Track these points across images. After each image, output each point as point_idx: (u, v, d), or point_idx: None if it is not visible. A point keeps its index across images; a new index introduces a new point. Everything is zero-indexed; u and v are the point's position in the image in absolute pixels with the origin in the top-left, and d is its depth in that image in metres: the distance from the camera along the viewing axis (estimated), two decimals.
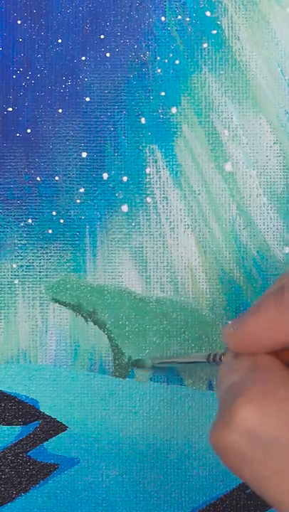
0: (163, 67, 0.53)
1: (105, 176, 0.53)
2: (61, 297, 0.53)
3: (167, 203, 0.53)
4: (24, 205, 0.53)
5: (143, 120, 0.53)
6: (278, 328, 0.35)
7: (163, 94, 0.53)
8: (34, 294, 0.53)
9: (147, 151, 0.53)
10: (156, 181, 0.53)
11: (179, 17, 0.53)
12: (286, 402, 0.33)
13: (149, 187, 0.53)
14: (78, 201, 0.53)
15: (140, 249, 0.53)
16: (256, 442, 0.33)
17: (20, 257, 0.53)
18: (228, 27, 0.53)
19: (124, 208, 0.53)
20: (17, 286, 0.53)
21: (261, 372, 0.35)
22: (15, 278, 0.53)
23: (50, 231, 0.53)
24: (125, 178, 0.53)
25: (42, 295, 0.53)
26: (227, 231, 0.53)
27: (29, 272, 0.53)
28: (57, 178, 0.53)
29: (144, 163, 0.53)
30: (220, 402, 0.36)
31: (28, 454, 0.51)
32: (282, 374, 0.35)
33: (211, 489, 0.51)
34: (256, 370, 0.35)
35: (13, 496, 0.51)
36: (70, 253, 0.53)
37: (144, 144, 0.53)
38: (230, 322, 0.38)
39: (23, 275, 0.53)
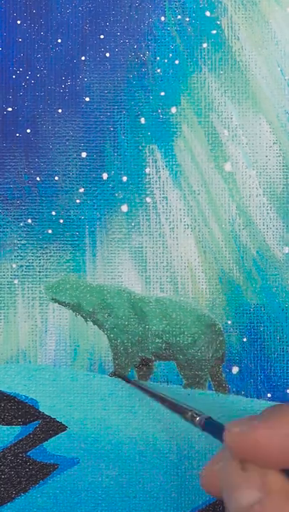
0: (163, 67, 0.53)
1: (105, 175, 0.53)
2: (61, 297, 0.53)
3: (167, 203, 0.53)
4: (24, 205, 0.53)
5: (143, 120, 0.53)
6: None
7: (163, 94, 0.53)
8: (34, 294, 0.53)
9: (147, 151, 0.53)
10: (156, 181, 0.53)
11: (179, 17, 0.53)
12: None
13: (149, 187, 0.53)
14: (78, 201, 0.53)
15: (140, 249, 0.53)
16: None
17: (20, 257, 0.53)
18: (228, 27, 0.53)
19: (124, 207, 0.53)
20: (17, 286, 0.53)
21: (281, 501, 0.34)
22: (15, 278, 0.53)
23: (49, 231, 0.53)
24: (125, 178, 0.53)
25: (41, 295, 0.53)
26: (227, 231, 0.53)
27: (29, 272, 0.53)
28: (56, 178, 0.53)
29: (143, 163, 0.53)
30: None
31: (28, 454, 0.51)
32: None
33: None
34: (274, 497, 0.34)
35: (13, 495, 0.51)
36: (70, 253, 0.53)
37: (143, 144, 0.53)
38: (235, 422, 0.36)
39: (22, 275, 0.53)
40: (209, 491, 0.40)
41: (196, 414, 0.42)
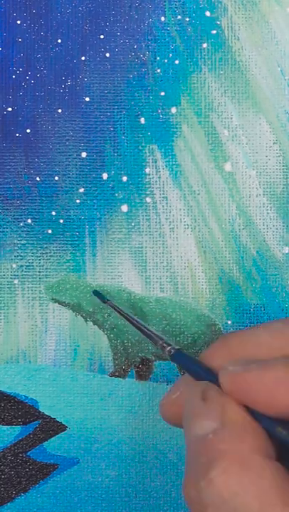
0: (162, 67, 0.53)
1: (105, 176, 0.53)
2: (61, 297, 0.53)
3: (167, 203, 0.53)
4: (24, 205, 0.53)
5: (143, 120, 0.53)
6: (277, 396, 0.34)
7: (162, 94, 0.53)
8: (34, 294, 0.53)
9: (147, 151, 0.53)
10: (156, 181, 0.53)
11: (179, 17, 0.53)
12: (262, 477, 0.32)
13: (149, 187, 0.53)
14: (78, 201, 0.53)
15: (140, 249, 0.53)
16: (229, 508, 0.32)
17: (20, 257, 0.53)
18: (228, 27, 0.53)
19: (124, 207, 0.53)
20: (17, 286, 0.53)
21: (235, 433, 0.34)
22: (15, 278, 0.53)
23: (49, 231, 0.53)
24: (125, 178, 0.53)
25: (41, 295, 0.53)
26: (227, 231, 0.53)
27: (29, 272, 0.53)
28: (56, 178, 0.53)
29: (143, 163, 0.53)
30: (190, 453, 0.35)
31: (28, 453, 0.51)
32: (261, 438, 0.34)
33: None
34: (230, 428, 0.34)
35: (13, 496, 0.51)
36: (70, 253, 0.53)
37: (143, 144, 0.53)
38: (231, 361, 0.36)
39: (22, 275, 0.53)
40: (169, 421, 0.40)
41: (167, 343, 0.42)
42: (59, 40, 0.53)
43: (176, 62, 0.53)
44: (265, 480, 0.32)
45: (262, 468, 0.32)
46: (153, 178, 0.53)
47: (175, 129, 0.53)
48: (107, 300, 0.49)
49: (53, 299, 0.53)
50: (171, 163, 0.53)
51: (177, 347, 0.41)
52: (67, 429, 0.52)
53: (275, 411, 0.34)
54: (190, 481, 0.34)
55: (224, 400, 0.35)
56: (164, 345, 0.42)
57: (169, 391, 0.39)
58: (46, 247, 0.53)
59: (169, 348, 0.41)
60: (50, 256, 0.53)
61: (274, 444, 0.35)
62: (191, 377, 0.39)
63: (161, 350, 0.42)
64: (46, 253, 0.53)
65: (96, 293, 0.51)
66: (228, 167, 0.53)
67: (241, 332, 0.38)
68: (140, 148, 0.53)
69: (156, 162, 0.53)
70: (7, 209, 0.53)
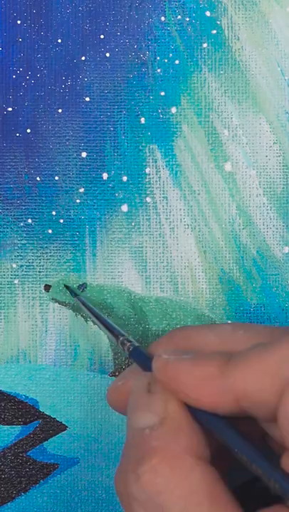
0: (163, 67, 0.53)
1: (105, 175, 0.53)
2: (61, 297, 0.53)
3: (167, 203, 0.53)
4: (24, 205, 0.53)
5: (143, 120, 0.53)
6: (205, 390, 0.34)
7: (163, 94, 0.53)
8: (34, 293, 0.53)
9: (147, 151, 0.53)
10: (156, 181, 0.53)
11: (179, 17, 0.53)
12: (190, 478, 0.32)
13: (149, 187, 0.53)
14: (78, 201, 0.53)
15: (140, 249, 0.53)
16: (153, 508, 0.32)
17: (20, 257, 0.53)
18: (228, 27, 0.53)
19: (124, 207, 0.53)
20: (17, 286, 0.53)
21: (171, 431, 0.34)
22: (15, 278, 0.53)
23: (50, 231, 0.53)
24: (125, 178, 0.53)
25: (42, 295, 0.53)
26: (227, 231, 0.53)
27: (29, 271, 0.53)
28: (57, 178, 0.53)
29: (143, 163, 0.53)
30: (126, 444, 0.35)
31: (28, 453, 0.51)
32: (194, 438, 0.34)
33: None
34: (167, 425, 0.34)
35: (13, 495, 0.51)
36: (70, 253, 0.53)
37: (143, 144, 0.53)
38: (167, 351, 0.36)
39: (23, 275, 0.53)
40: (114, 408, 0.40)
41: (128, 340, 0.42)
42: (59, 40, 0.53)
43: (176, 62, 0.53)
44: (192, 480, 0.32)
45: (191, 468, 0.32)
46: (153, 178, 0.53)
47: (175, 129, 0.53)
48: (76, 295, 0.50)
49: (53, 299, 0.53)
50: (171, 163, 0.53)
51: (137, 344, 0.42)
52: (67, 429, 0.52)
53: (201, 406, 0.34)
54: (120, 473, 0.34)
55: (168, 394, 0.35)
56: (125, 341, 0.42)
57: (116, 378, 0.40)
58: (46, 247, 0.53)
59: (128, 344, 0.42)
60: (50, 256, 0.53)
61: (211, 444, 0.35)
62: (140, 368, 0.39)
63: (121, 347, 0.42)
64: (46, 253, 0.53)
65: (67, 287, 0.51)
66: (228, 167, 0.53)
67: (189, 328, 0.38)
68: (140, 148, 0.53)
69: (156, 162, 0.53)
70: (7, 209, 0.53)
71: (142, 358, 0.40)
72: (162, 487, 0.32)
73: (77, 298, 0.50)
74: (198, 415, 0.35)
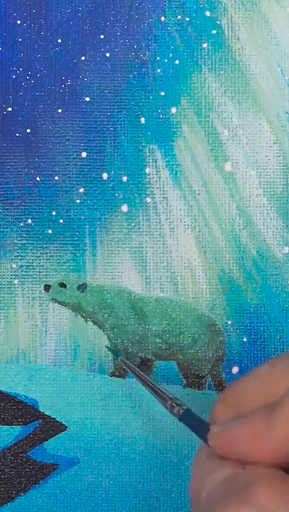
0: (163, 67, 0.53)
1: (105, 175, 0.53)
2: (61, 297, 0.53)
3: (167, 203, 0.53)
4: (24, 205, 0.53)
5: (143, 120, 0.53)
6: (260, 448, 0.34)
7: (163, 94, 0.53)
8: (34, 294, 0.53)
9: (147, 151, 0.53)
10: (156, 181, 0.53)
11: (179, 17, 0.53)
12: None
13: (149, 187, 0.53)
14: (78, 201, 0.53)
15: (140, 249, 0.53)
16: None
17: (20, 257, 0.53)
18: (228, 27, 0.53)
19: (124, 207, 0.53)
20: (17, 286, 0.53)
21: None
22: (15, 278, 0.53)
23: (50, 231, 0.53)
24: (125, 178, 0.53)
25: (42, 295, 0.53)
26: (227, 231, 0.53)
27: (29, 272, 0.53)
28: (57, 178, 0.53)
29: (143, 163, 0.53)
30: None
31: (28, 454, 0.51)
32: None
33: None
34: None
35: (13, 495, 0.51)
36: (70, 253, 0.53)
37: (143, 144, 0.53)
38: (218, 422, 0.37)
39: (22, 275, 0.53)
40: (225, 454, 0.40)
41: (176, 404, 0.42)
42: (59, 40, 0.53)
43: (176, 62, 0.53)
44: None
45: None
46: (153, 178, 0.53)
47: (175, 129, 0.53)
48: (119, 357, 0.50)
49: (52, 299, 0.53)
50: (171, 163, 0.53)
51: (185, 407, 0.41)
52: (68, 429, 0.52)
53: (263, 461, 0.34)
54: None
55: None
56: (173, 405, 0.42)
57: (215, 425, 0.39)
58: (46, 247, 0.53)
59: (177, 408, 0.41)
60: (50, 256, 0.53)
61: None
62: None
63: (170, 411, 0.42)
64: (46, 253, 0.53)
65: (109, 349, 0.52)
66: (228, 167, 0.53)
67: (234, 384, 0.38)
68: (140, 148, 0.53)
69: (156, 162, 0.53)
70: (7, 209, 0.53)
71: (193, 422, 0.40)
72: None
73: (122, 360, 0.50)
74: None
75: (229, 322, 0.52)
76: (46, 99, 0.53)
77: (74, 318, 0.53)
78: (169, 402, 0.42)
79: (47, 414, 0.52)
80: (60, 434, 0.52)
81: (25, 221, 0.53)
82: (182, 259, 0.53)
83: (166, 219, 0.53)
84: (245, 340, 0.52)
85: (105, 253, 0.53)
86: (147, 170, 0.53)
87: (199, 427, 0.38)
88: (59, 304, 0.53)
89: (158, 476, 0.51)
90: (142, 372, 0.48)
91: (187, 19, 0.53)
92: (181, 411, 0.41)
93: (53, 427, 0.52)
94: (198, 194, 0.53)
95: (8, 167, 0.53)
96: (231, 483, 0.34)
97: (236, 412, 0.36)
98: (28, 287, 0.53)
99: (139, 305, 0.53)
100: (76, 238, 0.53)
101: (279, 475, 0.34)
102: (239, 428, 0.35)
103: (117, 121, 0.53)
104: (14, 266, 0.53)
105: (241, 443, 0.35)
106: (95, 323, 0.53)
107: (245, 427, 0.35)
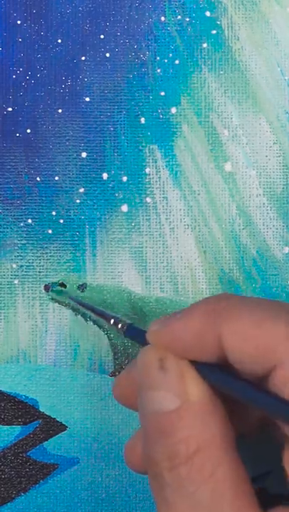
0: (163, 67, 0.53)
1: (105, 175, 0.53)
2: (61, 297, 0.53)
3: (167, 203, 0.53)
4: (24, 205, 0.53)
5: (143, 120, 0.53)
6: (203, 339, 0.34)
7: (163, 94, 0.53)
8: (34, 294, 0.53)
9: (147, 151, 0.53)
10: (156, 181, 0.53)
11: (179, 17, 0.53)
12: (221, 465, 0.32)
13: (149, 187, 0.53)
14: (78, 201, 0.53)
15: (140, 249, 0.53)
16: (185, 492, 0.33)
17: (20, 257, 0.53)
18: (228, 27, 0.53)
19: (124, 207, 0.53)
20: (17, 286, 0.53)
21: (198, 417, 0.33)
22: (15, 278, 0.53)
23: (50, 231, 0.53)
24: (125, 178, 0.53)
25: (42, 295, 0.53)
26: (227, 231, 0.53)
27: (29, 272, 0.53)
28: (57, 178, 0.53)
29: (143, 163, 0.53)
30: (150, 428, 0.34)
31: (28, 453, 0.51)
32: (219, 419, 0.33)
33: None
34: (192, 409, 0.33)
35: (13, 496, 0.51)
36: (70, 253, 0.53)
37: (143, 144, 0.53)
38: (156, 320, 0.36)
39: (22, 275, 0.53)
40: (123, 403, 0.39)
41: (119, 319, 0.42)
42: (59, 40, 0.53)
43: (176, 62, 0.53)
44: (220, 473, 0.32)
45: (222, 458, 0.33)
46: (153, 178, 0.53)
47: (175, 129, 0.53)
48: (61, 292, 0.50)
49: (52, 299, 0.53)
50: (171, 163, 0.53)
51: (128, 321, 0.41)
52: (67, 429, 0.52)
53: (207, 356, 0.34)
54: (152, 454, 0.34)
55: (183, 369, 0.34)
56: (117, 321, 0.42)
57: (122, 372, 0.39)
58: (46, 247, 0.53)
59: (121, 324, 0.41)
60: (50, 256, 0.53)
61: (235, 418, 0.35)
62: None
63: (115, 329, 0.41)
64: (46, 253, 0.53)
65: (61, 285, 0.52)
66: (228, 167, 0.53)
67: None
68: (140, 148, 0.53)
69: (156, 162, 0.53)
70: (7, 209, 0.53)
71: (138, 335, 0.40)
72: (197, 479, 0.32)
73: (69, 298, 0.50)
74: (206, 372, 0.34)
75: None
76: (46, 99, 0.53)
77: (74, 318, 0.53)
78: (112, 320, 0.42)
79: (47, 414, 0.52)
80: (60, 434, 0.52)
81: (25, 221, 0.53)
82: (182, 259, 0.53)
83: (166, 219, 0.53)
84: None
85: (105, 253, 0.53)
86: (147, 170, 0.53)
87: (144, 339, 0.38)
88: (59, 304, 0.53)
89: None
90: (82, 301, 0.48)
91: (187, 19, 0.53)
92: (125, 326, 0.41)
93: (53, 427, 0.52)
94: (198, 194, 0.53)
95: (8, 167, 0.53)
96: (164, 428, 0.34)
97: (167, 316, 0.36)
98: (28, 287, 0.53)
99: (139, 305, 0.53)
100: (76, 238, 0.53)
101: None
102: (182, 321, 0.35)
103: (117, 121, 0.53)
104: (14, 266, 0.53)
105: (185, 337, 0.34)
106: (95, 323, 0.53)
107: (189, 319, 0.34)
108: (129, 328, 0.41)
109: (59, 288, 0.53)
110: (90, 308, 0.46)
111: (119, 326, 0.41)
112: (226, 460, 0.33)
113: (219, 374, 0.34)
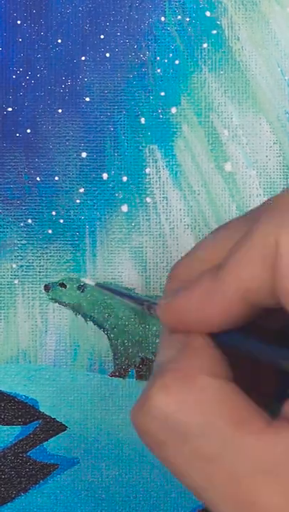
0: (163, 67, 0.53)
1: (105, 176, 0.53)
2: (61, 297, 0.53)
3: (167, 203, 0.53)
4: (24, 205, 0.53)
5: (143, 120, 0.53)
6: (209, 309, 0.32)
7: (163, 94, 0.53)
8: (34, 294, 0.53)
9: (147, 151, 0.53)
10: (156, 181, 0.53)
11: (179, 17, 0.53)
12: (205, 392, 0.30)
13: (149, 187, 0.53)
14: (78, 201, 0.53)
15: (140, 249, 0.53)
16: (172, 429, 0.31)
17: (20, 257, 0.53)
18: (228, 27, 0.53)
19: (124, 207, 0.53)
20: (17, 286, 0.53)
21: (186, 356, 0.32)
22: (15, 278, 0.53)
23: (50, 231, 0.53)
24: (125, 178, 0.53)
25: (42, 295, 0.53)
26: None
27: (29, 272, 0.53)
28: (57, 178, 0.53)
29: (143, 163, 0.53)
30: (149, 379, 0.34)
31: (28, 454, 0.51)
32: (210, 359, 0.32)
33: None
34: (182, 352, 0.32)
35: (13, 495, 0.51)
36: (70, 253, 0.53)
37: (143, 144, 0.53)
38: (164, 295, 0.35)
39: (22, 275, 0.53)
40: (175, 327, 0.38)
41: (153, 303, 0.41)
42: (59, 40, 0.53)
43: (176, 62, 0.53)
44: (209, 396, 0.31)
45: (207, 385, 0.31)
46: (153, 178, 0.53)
47: (175, 129, 0.53)
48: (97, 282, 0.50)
49: (52, 299, 0.53)
50: (171, 163, 0.53)
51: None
52: (67, 429, 0.52)
53: (211, 328, 0.33)
54: (135, 404, 0.33)
55: (190, 332, 0.34)
56: (151, 305, 0.41)
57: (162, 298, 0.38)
58: (46, 247, 0.53)
59: (154, 307, 0.41)
60: (50, 256, 0.53)
61: (239, 371, 0.33)
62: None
63: (148, 312, 0.41)
64: (46, 253, 0.53)
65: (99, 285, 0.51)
66: (228, 167, 0.53)
67: (179, 260, 0.37)
68: (140, 148, 0.53)
69: (156, 162, 0.53)
70: (7, 209, 0.53)
71: None
72: (176, 405, 0.31)
73: (97, 284, 0.50)
74: (221, 340, 0.34)
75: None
76: (46, 99, 0.53)
77: (74, 318, 0.53)
78: (145, 304, 0.41)
79: (47, 414, 0.52)
80: (60, 434, 0.52)
81: (25, 221, 0.53)
82: None
83: (166, 219, 0.53)
84: None
85: (105, 253, 0.53)
86: (147, 170, 0.53)
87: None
88: (59, 304, 0.53)
89: (158, 476, 0.51)
90: (115, 288, 0.47)
91: (187, 19, 0.53)
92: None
93: (53, 427, 0.52)
94: (198, 194, 0.53)
95: (8, 167, 0.53)
96: (155, 372, 0.33)
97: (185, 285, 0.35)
98: (28, 287, 0.53)
99: None
100: (76, 238, 0.53)
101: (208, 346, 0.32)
102: (186, 294, 0.33)
103: (117, 121, 0.53)
104: (14, 266, 0.53)
105: (191, 310, 0.33)
106: (95, 323, 0.53)
107: (192, 290, 0.33)
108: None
109: (59, 288, 0.53)
110: (121, 294, 0.45)
111: (152, 310, 0.41)
112: (214, 385, 0.31)
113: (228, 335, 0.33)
